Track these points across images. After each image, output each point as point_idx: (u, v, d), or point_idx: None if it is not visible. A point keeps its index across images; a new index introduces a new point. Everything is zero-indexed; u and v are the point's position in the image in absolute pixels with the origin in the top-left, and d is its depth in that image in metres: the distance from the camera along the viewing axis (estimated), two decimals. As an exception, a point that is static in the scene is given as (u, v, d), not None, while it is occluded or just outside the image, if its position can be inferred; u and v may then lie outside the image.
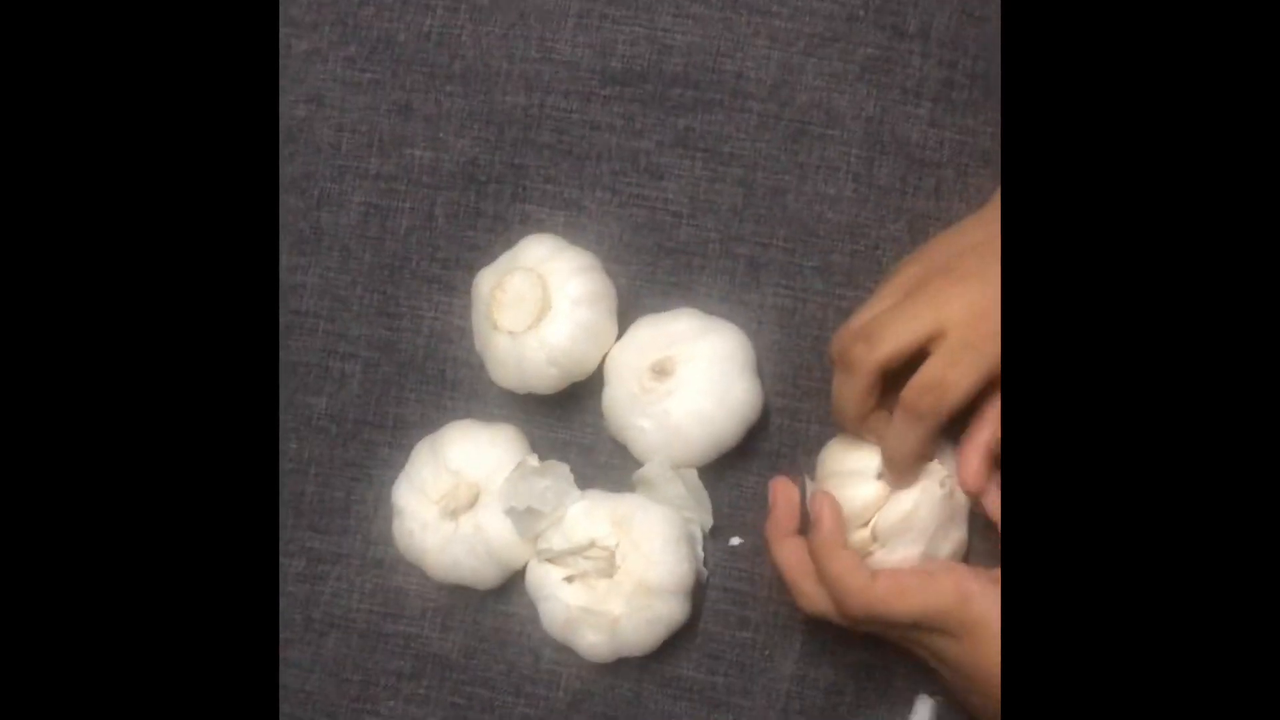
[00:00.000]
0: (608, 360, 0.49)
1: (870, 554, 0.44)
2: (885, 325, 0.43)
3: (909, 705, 0.48)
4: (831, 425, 0.47)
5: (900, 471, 0.44)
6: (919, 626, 0.42)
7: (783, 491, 0.46)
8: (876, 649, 0.48)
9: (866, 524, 0.44)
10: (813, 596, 0.44)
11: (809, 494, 0.46)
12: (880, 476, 0.45)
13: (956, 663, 0.42)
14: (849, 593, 0.42)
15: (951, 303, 0.42)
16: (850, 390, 0.44)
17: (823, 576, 0.43)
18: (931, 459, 0.44)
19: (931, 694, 0.48)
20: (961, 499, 0.45)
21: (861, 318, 0.44)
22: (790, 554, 0.45)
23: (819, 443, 0.48)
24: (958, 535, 0.45)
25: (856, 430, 0.45)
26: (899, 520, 0.44)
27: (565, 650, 0.48)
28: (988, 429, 0.43)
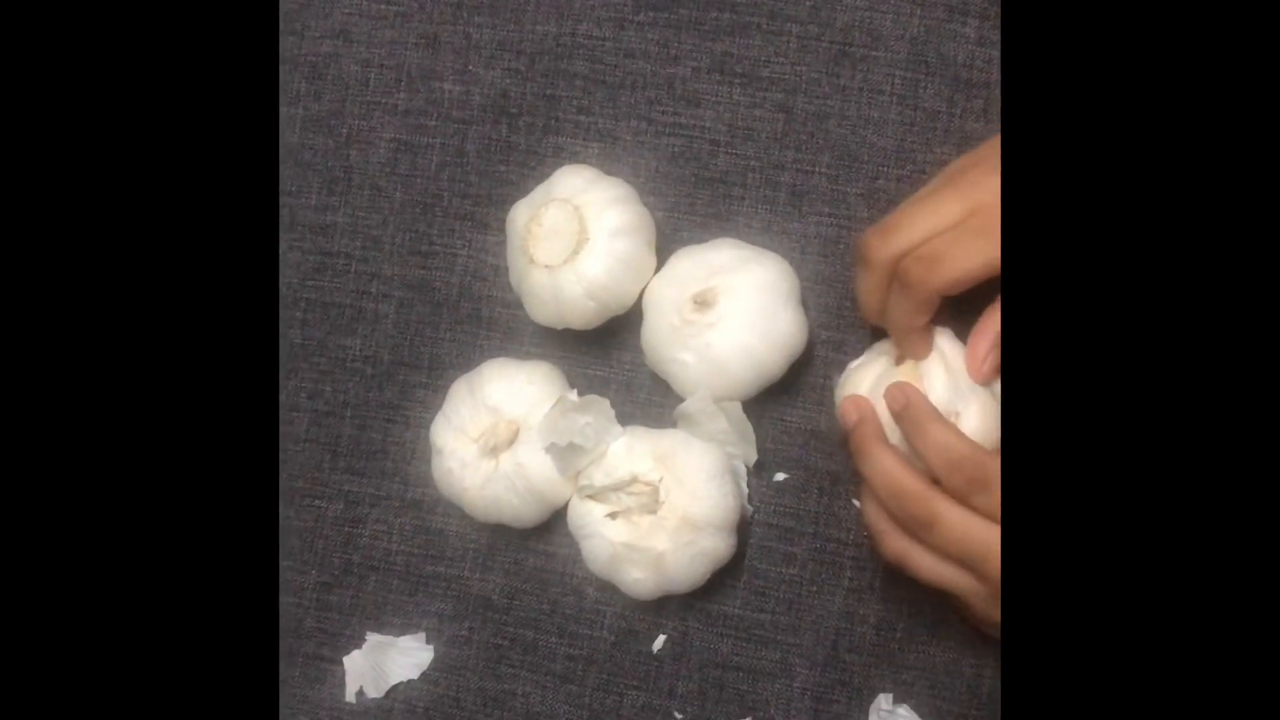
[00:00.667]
0: (647, 293, 0.47)
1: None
2: (905, 216, 0.42)
3: (961, 641, 0.47)
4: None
5: (904, 345, 0.44)
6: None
7: (860, 403, 0.44)
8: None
9: None
10: (920, 494, 0.40)
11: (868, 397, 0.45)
12: (899, 363, 0.44)
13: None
14: (961, 456, 0.40)
15: (977, 191, 0.41)
16: (866, 284, 0.43)
17: (926, 448, 0.41)
18: (929, 330, 0.43)
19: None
20: None
21: (892, 213, 0.44)
22: (889, 456, 0.42)
23: (866, 374, 0.47)
24: None
25: (879, 323, 0.45)
26: (945, 385, 0.43)
27: (609, 589, 0.48)
28: (998, 318, 0.42)
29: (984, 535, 0.39)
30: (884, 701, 0.47)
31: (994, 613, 0.40)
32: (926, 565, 0.41)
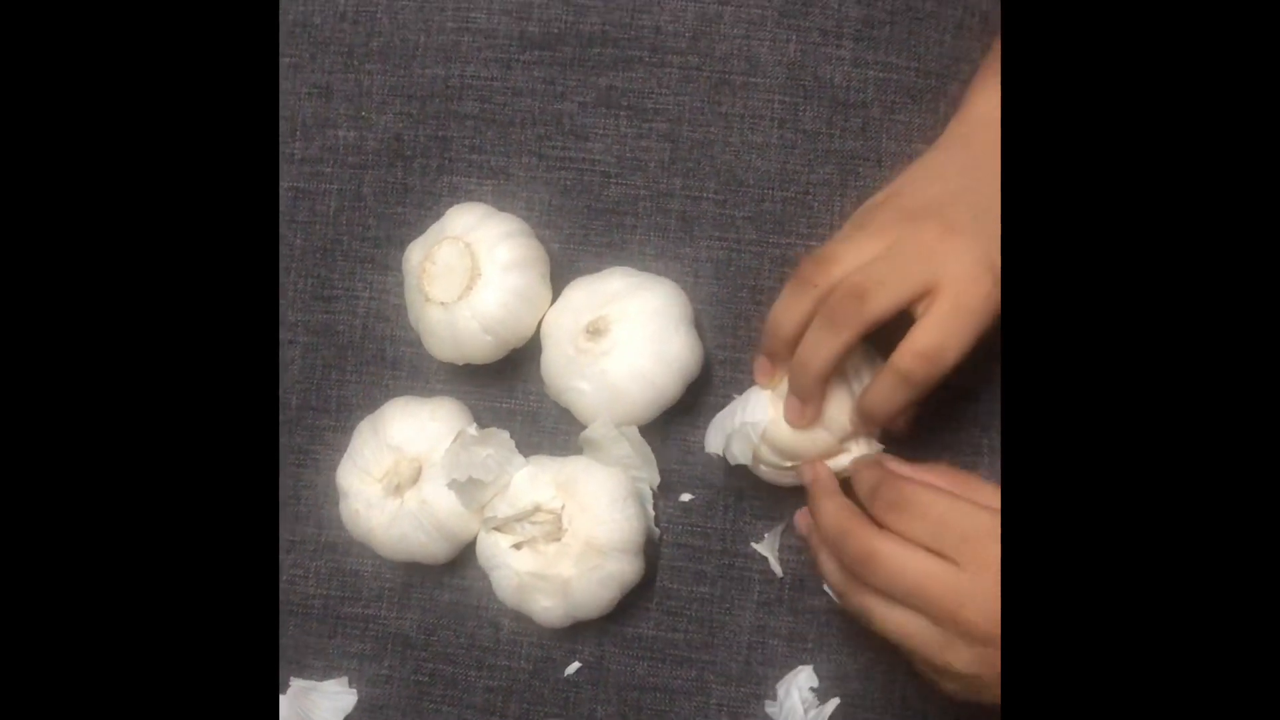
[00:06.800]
0: (543, 325, 0.48)
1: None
2: (879, 281, 0.41)
3: (874, 647, 0.48)
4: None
5: (876, 425, 0.44)
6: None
7: (814, 465, 0.45)
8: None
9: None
10: (858, 530, 0.40)
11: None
12: (843, 440, 0.45)
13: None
14: (877, 480, 0.41)
15: (948, 259, 0.41)
16: (830, 346, 0.42)
17: (857, 483, 0.42)
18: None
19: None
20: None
21: (838, 261, 0.42)
22: (833, 501, 0.42)
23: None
24: None
25: (784, 355, 0.44)
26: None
27: (524, 619, 0.48)
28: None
29: (919, 565, 0.39)
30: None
31: (948, 657, 0.39)
32: (882, 614, 0.40)
